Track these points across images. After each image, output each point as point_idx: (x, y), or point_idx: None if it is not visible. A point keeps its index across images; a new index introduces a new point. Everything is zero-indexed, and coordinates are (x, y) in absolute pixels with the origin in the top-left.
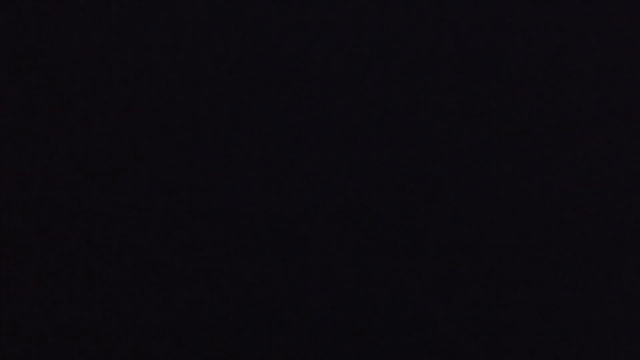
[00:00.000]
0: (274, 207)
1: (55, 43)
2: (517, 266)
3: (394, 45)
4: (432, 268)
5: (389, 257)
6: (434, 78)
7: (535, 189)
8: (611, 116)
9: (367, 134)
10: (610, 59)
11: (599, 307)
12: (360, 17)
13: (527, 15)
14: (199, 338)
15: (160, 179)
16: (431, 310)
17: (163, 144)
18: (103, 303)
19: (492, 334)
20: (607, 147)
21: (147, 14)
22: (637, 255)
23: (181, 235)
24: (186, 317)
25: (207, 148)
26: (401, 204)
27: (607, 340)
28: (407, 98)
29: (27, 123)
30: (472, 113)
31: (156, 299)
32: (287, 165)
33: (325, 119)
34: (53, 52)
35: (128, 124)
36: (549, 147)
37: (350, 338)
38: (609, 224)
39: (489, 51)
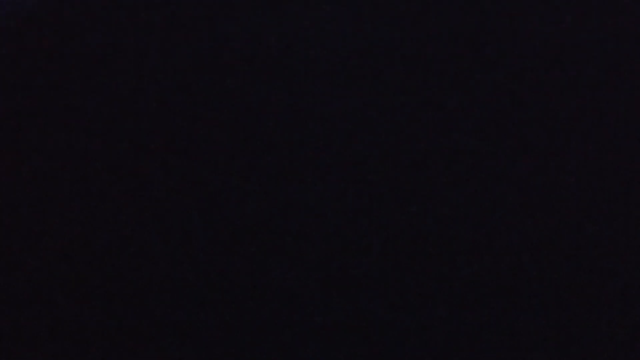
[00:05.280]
0: (273, 207)
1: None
2: (517, 267)
3: (394, 44)
4: (432, 269)
5: (389, 258)
6: (434, 77)
7: (535, 189)
8: (611, 116)
9: (367, 134)
10: (611, 58)
11: (598, 308)
12: (360, 16)
13: (528, 14)
14: (198, 339)
15: (160, 179)
16: (431, 311)
17: (162, 143)
18: (103, 303)
19: (492, 335)
20: (607, 147)
21: (147, 13)
22: (637, 256)
23: (181, 234)
24: (186, 317)
25: (206, 148)
26: (401, 204)
27: (607, 340)
28: (407, 97)
29: (27, 123)
30: (472, 113)
31: (156, 299)
32: (286, 164)
33: (325, 118)
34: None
35: (128, 124)
36: (549, 147)
37: (350, 339)
38: (609, 224)
39: (489, 50)
